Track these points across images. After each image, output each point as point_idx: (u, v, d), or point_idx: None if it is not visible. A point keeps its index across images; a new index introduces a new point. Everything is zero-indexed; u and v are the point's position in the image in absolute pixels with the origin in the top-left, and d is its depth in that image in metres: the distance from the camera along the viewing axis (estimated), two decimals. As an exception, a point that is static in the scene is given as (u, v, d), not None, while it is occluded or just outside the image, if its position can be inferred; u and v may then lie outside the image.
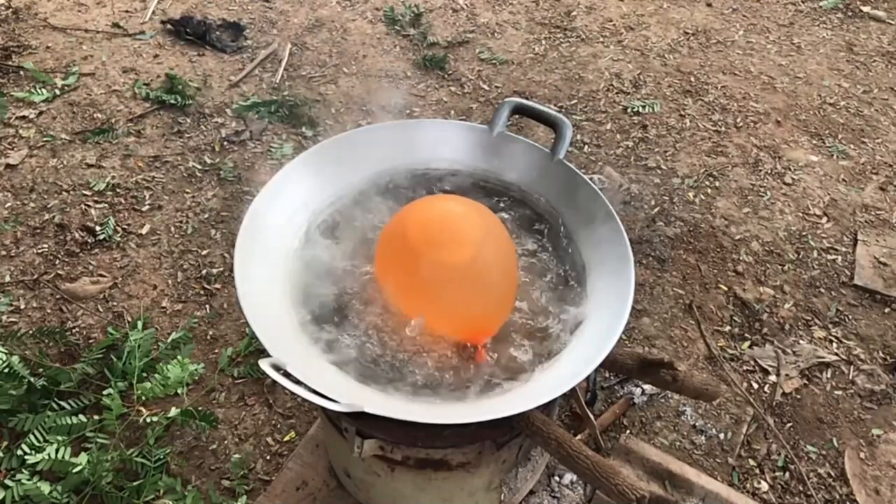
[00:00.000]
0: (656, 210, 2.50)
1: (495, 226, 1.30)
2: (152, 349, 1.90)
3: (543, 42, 3.30)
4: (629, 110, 2.92)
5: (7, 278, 2.16)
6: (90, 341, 2.00)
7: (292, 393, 1.11)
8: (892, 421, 1.94)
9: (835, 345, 2.12)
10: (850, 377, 2.04)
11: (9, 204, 2.38)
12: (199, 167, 2.56)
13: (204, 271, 2.22)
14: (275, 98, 2.84)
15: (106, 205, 2.41)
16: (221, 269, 2.23)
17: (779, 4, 3.67)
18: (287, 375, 1.05)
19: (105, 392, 1.68)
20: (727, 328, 2.15)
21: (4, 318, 2.05)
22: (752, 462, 1.85)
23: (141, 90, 2.83)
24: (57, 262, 2.22)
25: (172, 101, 2.76)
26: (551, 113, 1.45)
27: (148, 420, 1.68)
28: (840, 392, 2.01)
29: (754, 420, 1.92)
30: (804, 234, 2.45)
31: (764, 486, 1.80)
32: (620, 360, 1.32)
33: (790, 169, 2.70)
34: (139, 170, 2.54)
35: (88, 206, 2.39)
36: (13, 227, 2.30)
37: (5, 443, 1.72)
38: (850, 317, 2.20)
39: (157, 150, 2.62)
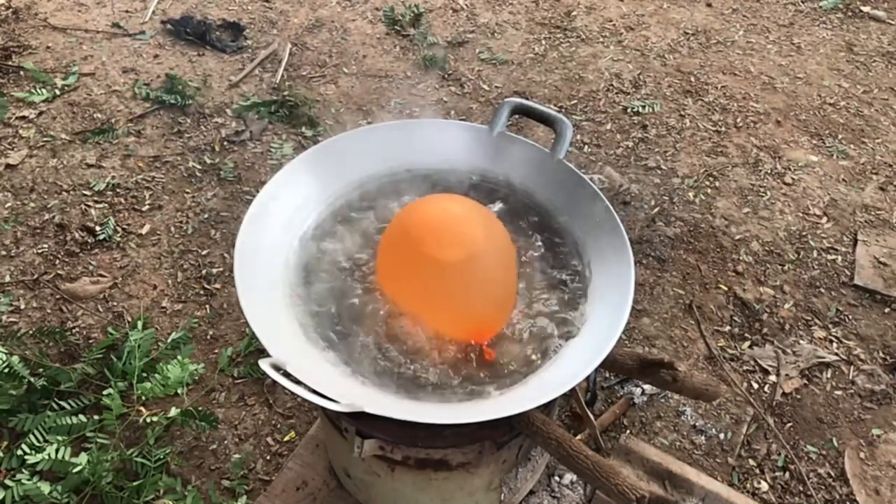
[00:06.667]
0: (656, 210, 2.50)
1: (495, 226, 1.30)
2: (152, 349, 1.90)
3: (543, 42, 3.30)
4: (629, 110, 2.92)
5: (7, 278, 2.16)
6: (90, 341, 2.00)
7: (292, 393, 1.11)
8: (892, 421, 1.94)
9: (835, 345, 2.12)
10: (850, 377, 2.04)
11: (9, 204, 2.38)
12: (199, 167, 2.56)
13: (204, 271, 2.22)
14: (275, 98, 2.84)
15: (106, 205, 2.41)
16: (221, 269, 2.23)
17: (779, 4, 3.67)
18: (287, 375, 1.05)
19: (105, 392, 1.68)
20: (727, 328, 2.15)
21: (4, 318, 2.05)
22: (752, 462, 1.85)
23: (141, 90, 2.83)
24: (57, 262, 2.22)
25: (172, 101, 2.76)
26: (551, 113, 1.45)
27: (148, 420, 1.68)
28: (840, 392, 2.01)
29: (754, 420, 1.92)
30: (804, 234, 2.45)
31: (764, 486, 1.80)
32: (620, 360, 1.32)
33: (790, 169, 2.70)
34: (139, 170, 2.54)
35: (88, 206, 2.39)
36: (13, 227, 2.30)
37: (5, 443, 1.72)
38: (850, 317, 2.20)
39: (157, 150, 2.62)
